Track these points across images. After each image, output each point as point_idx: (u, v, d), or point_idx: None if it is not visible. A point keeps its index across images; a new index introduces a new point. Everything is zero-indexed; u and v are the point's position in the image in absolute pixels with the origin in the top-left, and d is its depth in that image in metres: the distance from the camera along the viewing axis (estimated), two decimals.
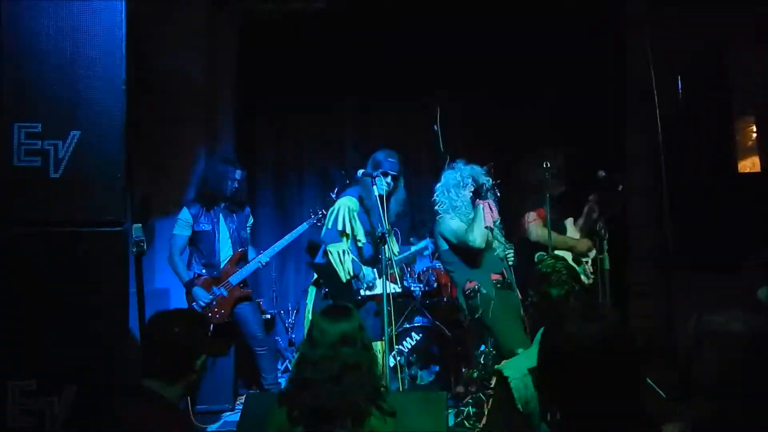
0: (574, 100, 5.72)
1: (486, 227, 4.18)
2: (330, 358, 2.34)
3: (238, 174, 4.79)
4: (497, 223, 4.31)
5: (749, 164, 5.43)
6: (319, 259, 4.44)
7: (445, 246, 4.37)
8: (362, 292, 4.32)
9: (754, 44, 4.66)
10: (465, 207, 4.31)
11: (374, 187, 4.23)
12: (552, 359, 1.78)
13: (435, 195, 4.41)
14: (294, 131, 6.61)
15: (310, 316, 4.39)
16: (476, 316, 4.19)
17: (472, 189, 4.34)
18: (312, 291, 4.53)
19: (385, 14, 5.80)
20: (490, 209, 4.21)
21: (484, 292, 4.17)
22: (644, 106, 4.74)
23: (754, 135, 5.38)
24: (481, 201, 4.23)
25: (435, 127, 4.81)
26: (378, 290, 4.29)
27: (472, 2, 5.64)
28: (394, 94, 6.29)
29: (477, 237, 4.15)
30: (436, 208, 4.38)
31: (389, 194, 4.34)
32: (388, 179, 4.30)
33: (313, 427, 2.33)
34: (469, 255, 4.27)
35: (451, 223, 4.30)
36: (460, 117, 6.05)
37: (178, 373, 2.32)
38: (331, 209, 4.41)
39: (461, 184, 4.34)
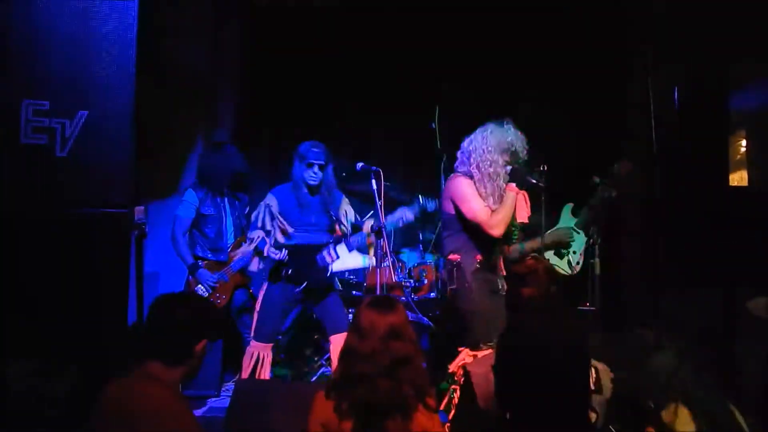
0: (571, 106, 5.77)
1: (519, 222, 3.87)
2: (381, 351, 2.29)
3: (237, 162, 4.81)
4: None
5: (737, 177, 5.51)
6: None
7: (451, 212, 3.87)
8: (330, 268, 4.31)
9: (755, 62, 4.72)
10: (496, 180, 3.79)
11: (372, 181, 4.28)
12: (504, 359, 1.82)
13: (464, 144, 3.90)
14: (293, 125, 6.60)
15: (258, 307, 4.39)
16: (451, 287, 3.85)
17: (508, 160, 3.82)
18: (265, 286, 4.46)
19: (395, 14, 5.83)
20: (525, 202, 3.90)
21: (465, 268, 3.79)
22: (641, 115, 4.81)
23: (743, 149, 5.46)
24: (516, 188, 3.77)
25: (432, 124, 4.83)
26: (346, 264, 4.37)
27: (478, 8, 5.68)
28: (397, 92, 6.31)
29: (499, 226, 3.73)
30: (461, 167, 3.87)
31: (319, 185, 4.35)
32: (315, 169, 4.30)
33: (365, 422, 2.27)
34: (473, 233, 3.83)
35: (473, 194, 3.78)
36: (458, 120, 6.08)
37: (179, 357, 2.32)
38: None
39: (506, 148, 3.80)
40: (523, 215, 3.89)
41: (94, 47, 2.99)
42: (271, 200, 4.35)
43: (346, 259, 4.38)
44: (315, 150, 4.31)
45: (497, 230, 3.76)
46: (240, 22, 5.87)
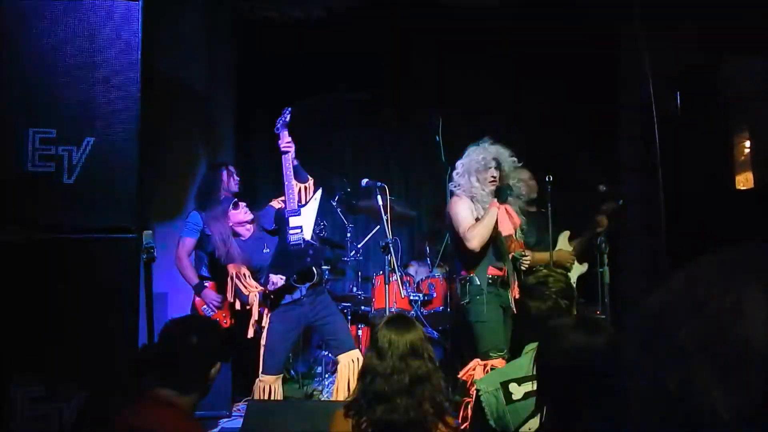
0: (568, 111, 5.78)
1: (505, 236, 4.05)
2: (400, 370, 2.30)
3: (229, 180, 4.80)
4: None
5: (743, 179, 5.48)
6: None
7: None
8: (304, 238, 4.12)
9: (751, 58, 4.72)
10: (483, 199, 4.04)
11: (378, 197, 4.28)
12: (552, 373, 1.80)
13: (454, 173, 4.18)
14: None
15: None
16: (463, 302, 4.08)
17: (495, 175, 4.07)
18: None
19: (385, 22, 5.85)
20: (508, 215, 3.99)
21: (477, 283, 4.00)
22: (641, 118, 4.81)
23: (747, 150, 5.43)
24: (498, 204, 3.98)
25: (437, 137, 4.83)
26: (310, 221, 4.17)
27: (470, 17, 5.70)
28: (393, 100, 6.31)
29: (474, 238, 3.93)
30: (453, 188, 4.18)
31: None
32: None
33: None
34: (466, 250, 4.02)
35: (461, 211, 4.05)
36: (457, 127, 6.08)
37: (193, 383, 2.32)
38: None
39: (484, 166, 4.07)
40: (508, 228, 4.01)
41: (99, 72, 2.98)
42: (234, 269, 4.23)
43: (305, 220, 4.16)
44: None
45: (473, 243, 3.94)
46: (233, 35, 5.88)
